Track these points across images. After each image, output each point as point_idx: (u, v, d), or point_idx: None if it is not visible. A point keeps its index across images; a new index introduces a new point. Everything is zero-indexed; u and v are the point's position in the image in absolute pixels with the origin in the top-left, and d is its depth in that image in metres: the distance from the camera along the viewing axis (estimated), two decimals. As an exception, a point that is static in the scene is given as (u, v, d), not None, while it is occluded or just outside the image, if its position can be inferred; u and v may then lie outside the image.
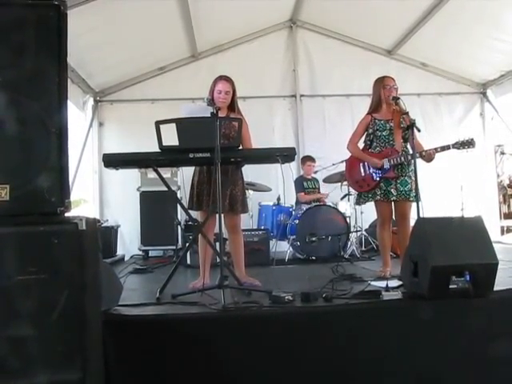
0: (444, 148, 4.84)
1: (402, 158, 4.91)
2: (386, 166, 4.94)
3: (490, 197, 9.35)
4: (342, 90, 8.98)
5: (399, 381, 3.25)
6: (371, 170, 5.04)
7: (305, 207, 7.18)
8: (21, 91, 2.44)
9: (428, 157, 4.86)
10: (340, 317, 3.39)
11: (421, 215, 4.33)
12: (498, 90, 9.03)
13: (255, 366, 3.15)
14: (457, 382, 3.28)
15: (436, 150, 4.85)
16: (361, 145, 5.23)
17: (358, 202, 5.27)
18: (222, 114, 4.48)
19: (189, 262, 6.41)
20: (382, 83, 5.07)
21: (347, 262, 6.45)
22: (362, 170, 5.12)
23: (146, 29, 7.05)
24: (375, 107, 5.12)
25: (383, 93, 5.04)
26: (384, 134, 5.02)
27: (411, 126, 4.65)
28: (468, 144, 4.82)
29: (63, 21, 2.52)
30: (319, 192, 7.86)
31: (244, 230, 5.34)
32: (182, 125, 4.11)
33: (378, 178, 4.99)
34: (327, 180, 7.78)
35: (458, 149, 4.84)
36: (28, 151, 2.44)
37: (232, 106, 4.79)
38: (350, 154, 5.28)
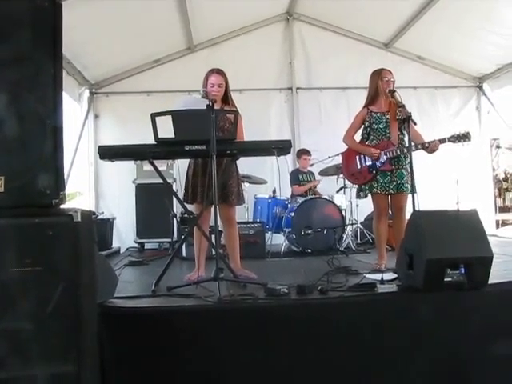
0: (440, 141, 4.84)
1: (398, 151, 4.90)
2: (382, 158, 4.94)
3: (486, 190, 9.38)
4: (339, 82, 8.98)
5: (394, 373, 3.27)
6: (367, 163, 5.04)
7: (300, 200, 7.18)
8: (15, 83, 2.42)
9: (431, 148, 4.85)
10: (335, 309, 3.39)
11: (416, 208, 4.34)
12: (494, 83, 9.04)
13: (250, 358, 3.15)
14: (451, 373, 3.30)
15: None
16: (358, 138, 5.22)
17: (359, 196, 5.25)
18: (215, 107, 4.46)
19: (184, 254, 6.41)
20: (379, 76, 5.04)
21: (343, 255, 6.46)
22: (358, 163, 5.11)
23: (142, 21, 7.02)
24: (372, 100, 5.11)
25: (380, 85, 5.01)
26: (380, 126, 5.02)
27: (407, 119, 4.65)
28: (464, 138, 4.81)
29: (58, 12, 2.51)
30: (315, 186, 7.86)
31: (239, 223, 5.34)
32: (178, 117, 4.10)
33: (373, 171, 4.99)
34: (323, 173, 7.79)
35: (454, 142, 4.83)
36: (23, 143, 2.42)
37: (225, 99, 4.78)
38: (347, 147, 5.28)
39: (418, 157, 4.91)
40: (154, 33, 7.59)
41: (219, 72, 4.74)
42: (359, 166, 5.12)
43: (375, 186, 4.99)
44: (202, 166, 4.54)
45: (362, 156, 5.09)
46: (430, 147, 4.84)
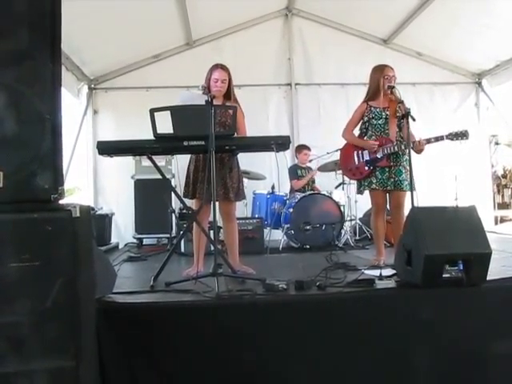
0: (438, 139, 4.84)
1: (396, 148, 4.90)
2: (380, 155, 4.94)
3: (484, 187, 9.37)
4: (338, 78, 8.94)
5: (391, 369, 3.27)
6: (365, 159, 5.04)
7: (299, 196, 7.18)
8: (13, 77, 2.41)
9: (417, 148, 4.85)
10: (333, 305, 3.40)
11: (415, 204, 4.34)
12: (493, 80, 9.01)
13: (248, 354, 3.16)
14: (448, 368, 3.30)
15: (429, 141, 4.85)
16: (356, 133, 5.22)
17: (360, 192, 5.25)
18: (217, 103, 4.45)
19: (183, 250, 6.41)
20: (382, 73, 5.00)
21: (341, 251, 6.46)
22: (356, 159, 5.11)
23: (141, 16, 6.99)
24: (372, 95, 5.09)
25: (383, 82, 4.98)
26: (379, 122, 5.01)
27: (406, 115, 4.64)
28: (462, 135, 4.82)
29: (57, 5, 2.49)
30: (313, 182, 7.85)
31: (238, 219, 5.33)
32: (177, 112, 4.10)
33: (371, 167, 4.99)
34: (322, 169, 7.76)
35: (452, 140, 4.84)
36: (22, 138, 2.42)
37: (228, 95, 4.77)
38: (345, 142, 5.28)
39: (416, 153, 4.90)
40: (153, 28, 7.56)
41: (223, 67, 4.74)
42: (357, 162, 5.12)
43: (374, 181, 4.99)
44: (204, 162, 4.53)
45: (360, 151, 5.09)
46: (416, 147, 4.84)
